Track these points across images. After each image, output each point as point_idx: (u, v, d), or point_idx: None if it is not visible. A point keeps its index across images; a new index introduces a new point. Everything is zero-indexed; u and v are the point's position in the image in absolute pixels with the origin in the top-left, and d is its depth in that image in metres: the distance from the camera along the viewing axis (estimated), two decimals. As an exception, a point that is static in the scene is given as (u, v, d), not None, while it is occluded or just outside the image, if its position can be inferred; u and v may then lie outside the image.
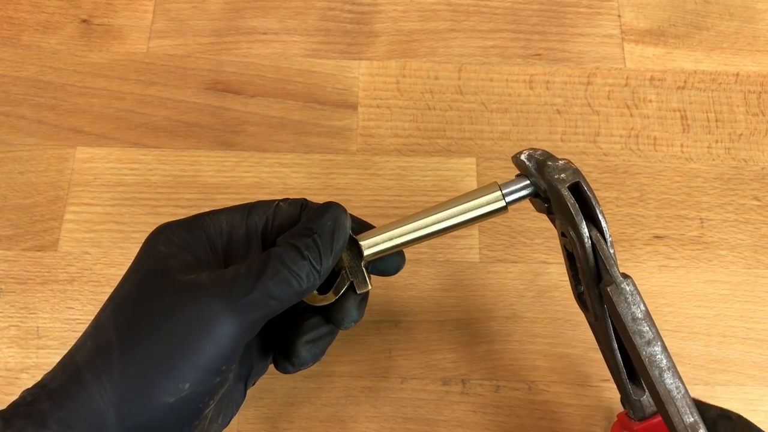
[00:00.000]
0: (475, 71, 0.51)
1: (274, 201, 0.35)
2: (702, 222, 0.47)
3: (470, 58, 0.51)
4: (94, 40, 0.51)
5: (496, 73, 0.51)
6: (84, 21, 0.52)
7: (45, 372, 0.42)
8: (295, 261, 0.31)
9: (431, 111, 0.50)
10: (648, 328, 0.31)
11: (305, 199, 0.35)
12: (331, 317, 0.34)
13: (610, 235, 0.32)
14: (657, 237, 0.46)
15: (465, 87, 0.50)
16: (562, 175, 0.32)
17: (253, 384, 0.36)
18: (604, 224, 0.31)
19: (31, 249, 0.45)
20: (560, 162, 0.32)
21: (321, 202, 0.34)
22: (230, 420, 0.34)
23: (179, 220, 0.34)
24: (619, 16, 0.53)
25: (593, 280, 0.32)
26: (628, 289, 0.31)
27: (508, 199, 0.33)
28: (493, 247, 0.46)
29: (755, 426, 0.33)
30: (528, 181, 0.33)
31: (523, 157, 0.33)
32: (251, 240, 0.34)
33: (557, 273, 0.45)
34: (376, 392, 0.42)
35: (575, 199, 0.32)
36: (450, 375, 0.43)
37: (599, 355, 0.43)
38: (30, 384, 0.43)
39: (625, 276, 0.31)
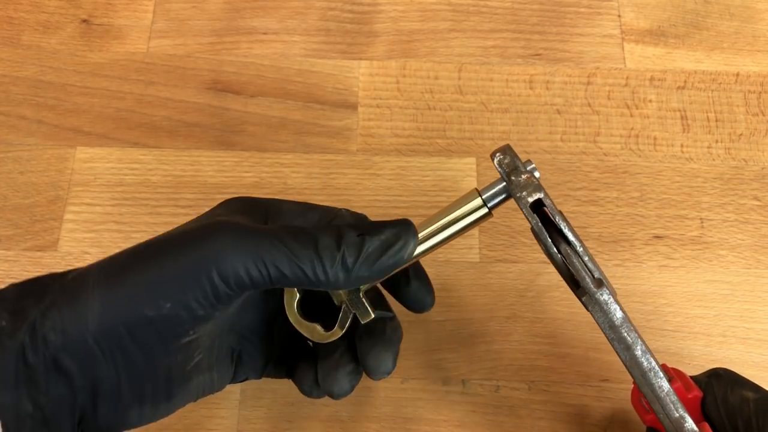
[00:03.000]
0: (475, 71, 0.51)
1: (337, 208, 0.35)
2: (702, 222, 0.47)
3: (470, 58, 0.51)
4: (94, 40, 0.51)
5: (496, 73, 0.51)
6: (84, 21, 0.52)
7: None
8: (328, 248, 0.30)
9: (431, 111, 0.50)
10: (626, 334, 0.31)
11: (365, 216, 0.35)
12: (363, 365, 0.34)
13: (581, 245, 0.31)
14: (657, 237, 0.46)
15: (465, 87, 0.50)
16: (523, 193, 0.31)
17: (242, 380, 0.36)
18: (571, 237, 0.31)
19: (31, 249, 0.45)
20: (522, 177, 0.32)
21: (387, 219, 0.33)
22: (221, 387, 0.34)
23: (250, 196, 0.35)
24: (619, 16, 0.53)
25: (574, 287, 0.32)
26: (602, 299, 0.31)
27: (491, 204, 0.33)
28: (493, 247, 0.46)
29: (741, 377, 0.35)
30: (504, 184, 0.33)
31: (495, 162, 0.33)
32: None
33: (557, 273, 0.45)
34: (376, 392, 0.42)
35: (540, 216, 0.32)
36: (450, 375, 0.43)
37: (599, 355, 0.43)
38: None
39: (600, 284, 0.31)
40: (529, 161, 0.33)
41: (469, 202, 0.33)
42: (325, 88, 0.50)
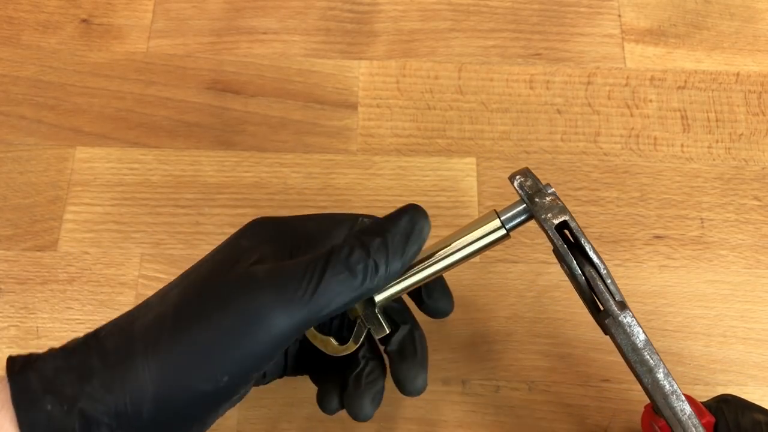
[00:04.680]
0: (476, 71, 0.51)
1: (357, 215, 0.35)
2: (702, 222, 0.47)
3: (470, 58, 0.51)
4: (94, 39, 0.51)
5: (497, 72, 0.51)
6: (84, 21, 0.52)
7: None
8: (359, 260, 0.30)
9: (431, 111, 0.50)
10: (649, 357, 0.31)
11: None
12: (395, 382, 0.35)
13: (605, 268, 0.32)
14: (657, 237, 0.46)
15: (465, 87, 0.50)
16: (549, 215, 0.31)
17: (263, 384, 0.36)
18: (596, 260, 0.31)
19: (30, 249, 0.45)
20: (547, 199, 0.32)
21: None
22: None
23: (274, 217, 0.35)
24: (619, 15, 0.53)
25: (594, 309, 0.32)
26: (625, 321, 0.31)
27: (509, 225, 0.33)
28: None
29: (748, 402, 0.35)
30: (524, 206, 0.33)
31: (515, 185, 0.33)
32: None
33: (558, 273, 0.45)
34: (376, 392, 0.42)
35: (564, 238, 0.32)
36: (450, 375, 0.43)
37: (599, 356, 0.43)
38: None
39: (623, 307, 0.31)
40: (548, 185, 0.33)
41: (487, 224, 0.33)
42: (325, 88, 0.50)
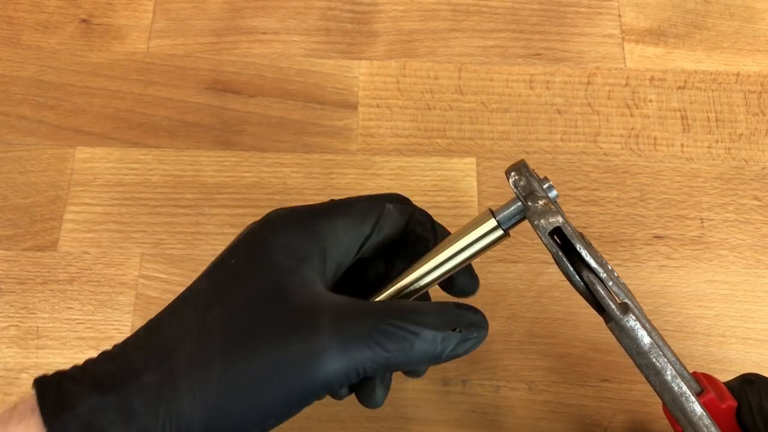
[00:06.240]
0: (475, 71, 0.51)
1: (381, 202, 0.33)
2: (702, 222, 0.47)
3: (470, 58, 0.51)
4: (94, 40, 0.51)
5: (497, 72, 0.51)
6: (84, 21, 0.52)
7: (45, 372, 0.42)
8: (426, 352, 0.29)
9: (431, 111, 0.50)
10: (654, 360, 0.30)
11: (411, 208, 0.34)
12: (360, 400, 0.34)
13: (604, 271, 0.30)
14: (657, 237, 0.46)
15: (465, 87, 0.50)
16: (542, 221, 0.30)
17: None
18: (593, 264, 0.30)
19: (30, 249, 0.45)
20: (540, 203, 0.30)
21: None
22: None
23: (294, 216, 0.32)
24: (619, 15, 0.53)
25: (600, 311, 0.31)
26: (628, 326, 0.30)
27: (506, 225, 0.32)
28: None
29: None
30: (520, 204, 0.31)
31: (510, 182, 0.31)
32: (356, 249, 0.33)
33: (557, 273, 0.45)
34: (376, 392, 0.42)
35: (559, 244, 0.30)
36: (450, 375, 0.43)
37: (599, 355, 0.43)
38: (28, 383, 0.43)
39: (625, 310, 0.30)
40: (545, 179, 0.32)
41: (483, 224, 0.32)
42: (325, 88, 0.50)
